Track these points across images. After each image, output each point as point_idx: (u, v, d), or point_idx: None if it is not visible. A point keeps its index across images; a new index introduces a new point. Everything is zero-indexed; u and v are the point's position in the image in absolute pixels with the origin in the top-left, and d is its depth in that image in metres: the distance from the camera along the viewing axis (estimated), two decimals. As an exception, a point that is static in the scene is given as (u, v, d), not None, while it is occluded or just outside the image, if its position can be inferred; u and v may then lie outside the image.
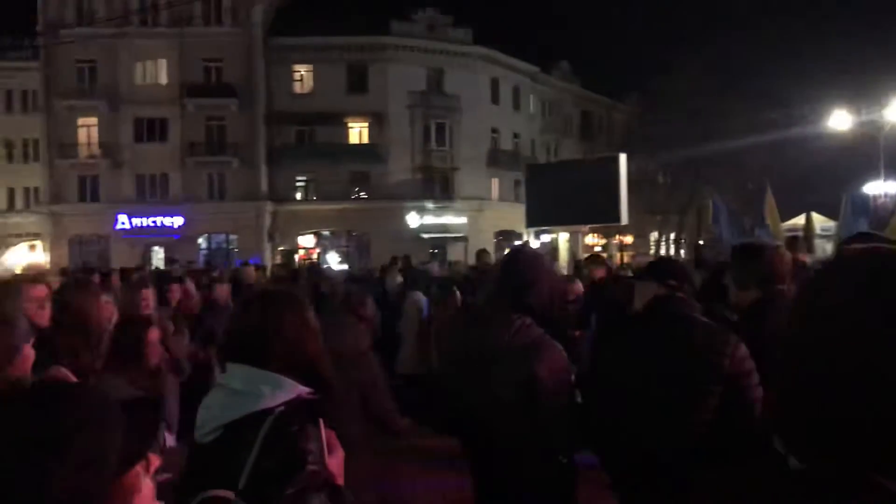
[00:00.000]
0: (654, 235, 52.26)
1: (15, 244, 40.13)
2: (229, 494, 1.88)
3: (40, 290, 3.85)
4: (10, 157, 41.20)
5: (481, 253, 12.47)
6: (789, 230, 14.89)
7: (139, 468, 1.22)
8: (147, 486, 1.23)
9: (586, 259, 9.85)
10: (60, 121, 38.21)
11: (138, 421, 1.20)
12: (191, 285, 8.08)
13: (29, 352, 2.67)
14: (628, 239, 49.15)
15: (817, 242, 15.36)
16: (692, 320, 2.92)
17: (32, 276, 5.69)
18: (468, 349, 2.96)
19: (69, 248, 37.52)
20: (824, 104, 30.56)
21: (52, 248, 37.52)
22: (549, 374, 2.76)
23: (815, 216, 16.41)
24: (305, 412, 2.01)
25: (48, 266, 19.84)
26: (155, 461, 1.26)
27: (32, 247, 38.71)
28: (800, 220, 16.90)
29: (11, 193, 41.37)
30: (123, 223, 37.96)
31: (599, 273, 8.02)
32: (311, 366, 2.16)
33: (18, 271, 12.34)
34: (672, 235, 52.73)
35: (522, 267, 2.99)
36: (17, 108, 41.06)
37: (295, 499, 1.88)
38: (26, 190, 40.78)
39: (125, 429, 1.15)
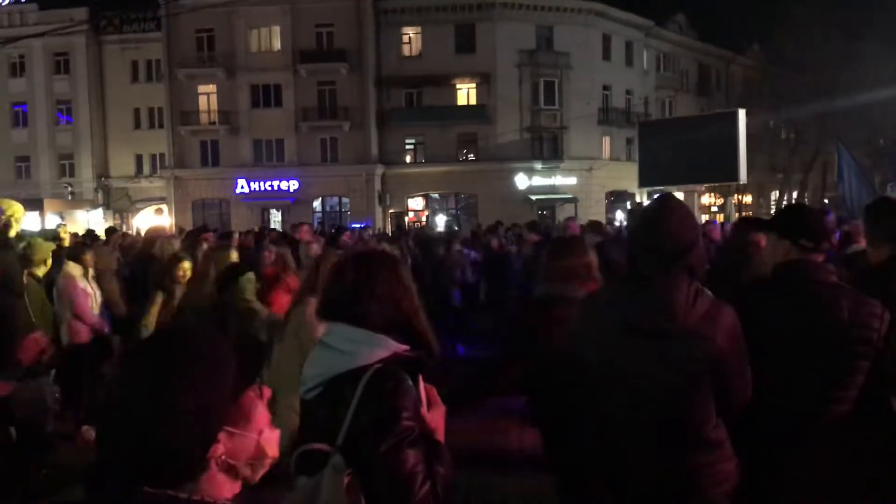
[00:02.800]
0: (774, 195, 49.93)
1: (143, 208, 42.42)
2: (328, 448, 1.97)
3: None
4: (137, 125, 43.33)
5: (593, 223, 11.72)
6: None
7: (253, 394, 1.36)
8: (262, 412, 1.37)
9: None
10: (182, 89, 39.90)
11: (246, 357, 1.35)
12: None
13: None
14: (747, 198, 47.19)
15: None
16: (835, 289, 2.70)
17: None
18: (628, 322, 2.56)
19: (192, 212, 39.37)
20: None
21: (177, 211, 39.44)
22: (730, 344, 2.50)
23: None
24: (402, 369, 2.06)
25: (172, 228, 20.82)
26: (267, 392, 1.40)
27: (159, 210, 40.76)
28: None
29: (139, 160, 43.52)
30: (242, 187, 39.46)
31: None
32: (407, 323, 2.19)
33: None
34: (794, 195, 50.27)
35: (684, 223, 2.59)
36: (142, 77, 43.02)
37: (389, 453, 1.93)
38: (153, 156, 42.84)
39: (236, 361, 1.32)
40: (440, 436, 2.14)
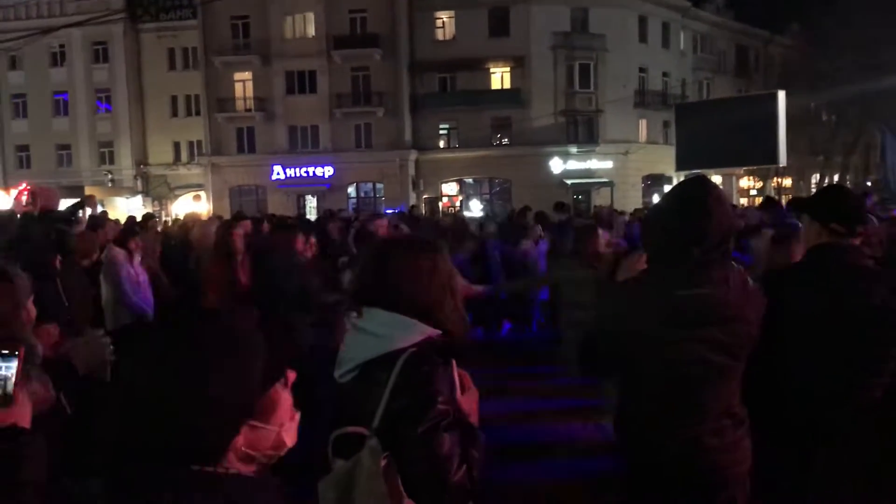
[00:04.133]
0: (815, 178, 48.98)
1: (181, 195, 43.01)
2: (364, 431, 1.99)
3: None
4: (174, 113, 43.85)
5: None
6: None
7: (280, 386, 1.34)
8: (286, 399, 1.36)
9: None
10: (218, 76, 40.28)
11: (277, 344, 1.34)
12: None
13: (31, 306, 2.61)
14: (787, 181, 46.37)
15: None
16: (868, 273, 2.67)
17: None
18: (681, 307, 2.55)
19: (229, 198, 39.80)
20: None
21: (215, 197, 39.91)
22: (758, 325, 2.57)
23: None
24: (436, 353, 2.06)
25: (209, 215, 21.09)
26: (291, 376, 1.37)
27: (197, 197, 41.28)
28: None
29: (177, 147, 44.03)
30: (278, 174, 39.78)
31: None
32: (441, 309, 2.18)
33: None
34: (836, 177, 49.26)
35: (726, 209, 2.60)
36: (178, 65, 43.46)
37: (426, 437, 1.94)
38: (190, 143, 43.33)
39: (266, 350, 1.30)
40: (474, 419, 2.15)
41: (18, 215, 6.36)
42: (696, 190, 2.67)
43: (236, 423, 1.26)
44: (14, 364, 1.87)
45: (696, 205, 2.59)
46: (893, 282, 2.62)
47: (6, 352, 1.87)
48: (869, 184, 34.76)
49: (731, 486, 2.59)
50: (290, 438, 1.36)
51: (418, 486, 1.95)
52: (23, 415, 1.91)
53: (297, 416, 1.40)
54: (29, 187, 7.38)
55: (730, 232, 2.58)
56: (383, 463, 1.93)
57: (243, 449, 1.27)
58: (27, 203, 6.35)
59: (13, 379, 1.86)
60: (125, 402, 1.26)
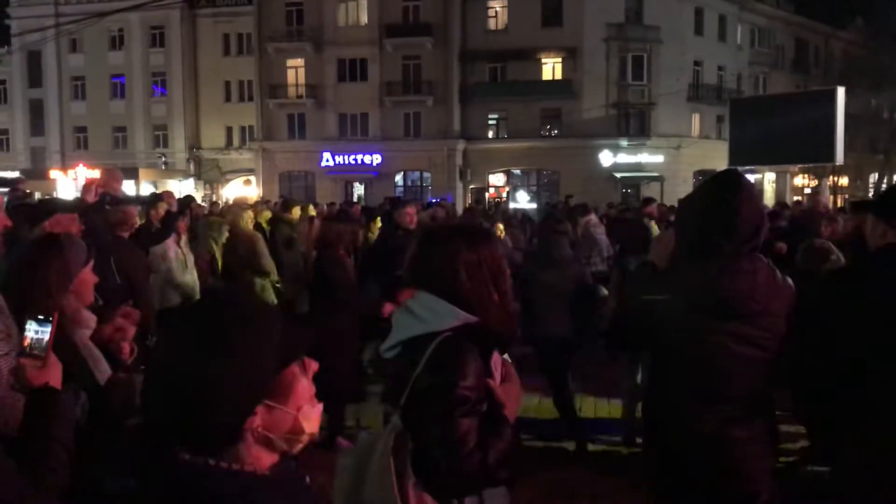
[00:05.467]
0: (873, 177, 47.66)
1: (232, 179, 43.65)
2: (389, 408, 2.10)
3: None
4: (227, 98, 44.50)
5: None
6: None
7: (296, 368, 1.33)
8: (304, 387, 1.35)
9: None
10: (271, 63, 40.77)
11: (292, 328, 1.34)
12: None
13: (87, 276, 2.64)
14: (844, 180, 45.17)
15: None
16: None
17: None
18: (704, 300, 2.62)
19: (279, 183, 40.28)
20: None
21: (265, 182, 40.42)
22: (787, 317, 2.63)
23: None
24: (471, 338, 2.10)
25: (259, 199, 21.37)
26: (313, 365, 1.37)
27: (248, 181, 41.89)
28: None
29: (229, 132, 44.70)
30: (327, 160, 40.11)
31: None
32: (488, 299, 2.21)
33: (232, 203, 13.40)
34: (895, 178, 47.85)
35: (756, 204, 2.70)
36: (233, 51, 44.06)
37: (440, 418, 2.00)
38: (242, 128, 43.95)
39: (281, 332, 1.30)
40: (510, 411, 2.15)
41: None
42: (726, 184, 2.72)
43: (252, 400, 1.25)
44: (48, 328, 2.03)
45: (725, 199, 2.65)
46: None
47: (41, 317, 2.03)
48: (930, 185, 33.69)
49: (755, 480, 2.63)
50: (310, 425, 1.35)
51: (429, 466, 2.00)
52: (55, 376, 2.04)
53: (320, 406, 1.39)
54: (97, 179, 7.49)
55: (759, 227, 2.64)
56: (394, 438, 1.99)
57: (260, 430, 1.27)
58: (97, 195, 6.47)
59: (47, 341, 2.02)
60: (148, 380, 1.28)
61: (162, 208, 7.45)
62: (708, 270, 2.63)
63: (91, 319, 2.59)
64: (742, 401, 2.63)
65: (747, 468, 2.62)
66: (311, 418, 1.35)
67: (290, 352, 1.32)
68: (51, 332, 2.03)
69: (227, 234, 7.92)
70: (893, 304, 2.52)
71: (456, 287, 2.16)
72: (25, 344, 2.02)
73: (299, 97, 40.77)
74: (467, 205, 27.62)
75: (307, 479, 1.46)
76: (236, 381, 1.22)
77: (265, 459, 1.30)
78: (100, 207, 6.06)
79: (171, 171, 41.64)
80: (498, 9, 39.66)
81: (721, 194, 2.69)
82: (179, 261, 6.93)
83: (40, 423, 1.96)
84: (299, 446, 1.36)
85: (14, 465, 1.81)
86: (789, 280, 2.66)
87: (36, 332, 2.03)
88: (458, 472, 2.00)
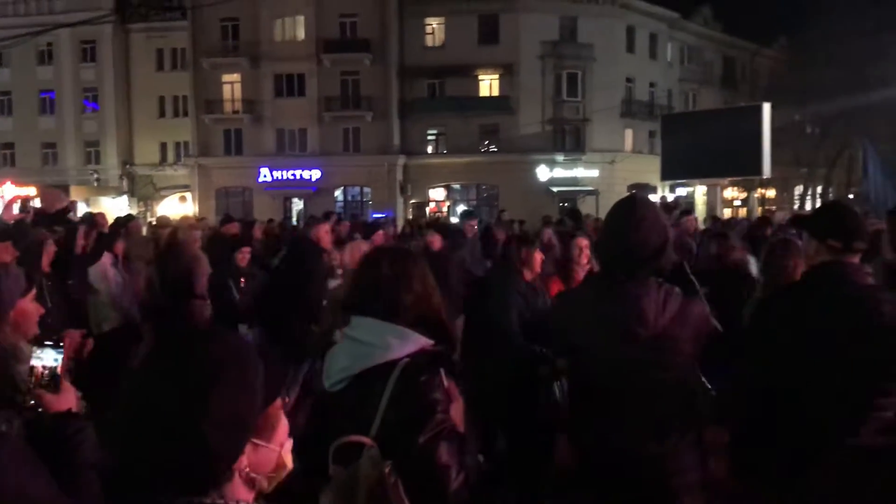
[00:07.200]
0: (798, 189, 49.39)
1: (167, 196, 42.79)
2: (367, 440, 1.99)
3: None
4: (162, 113, 43.64)
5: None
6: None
7: (279, 404, 1.34)
8: (284, 424, 1.35)
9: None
10: (206, 78, 40.12)
11: (272, 366, 1.33)
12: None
13: (27, 307, 2.48)
14: (771, 193, 46.72)
15: None
16: (872, 291, 2.62)
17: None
18: (605, 325, 2.62)
19: (216, 200, 39.65)
20: None
21: (201, 199, 39.72)
22: (693, 342, 2.61)
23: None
24: (431, 363, 2.09)
25: (195, 217, 21.02)
26: (286, 401, 1.39)
27: (183, 198, 41.11)
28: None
29: (164, 147, 43.78)
30: (265, 176, 39.65)
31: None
32: (434, 319, 2.22)
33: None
34: (819, 189, 49.68)
35: (653, 226, 2.62)
36: (167, 65, 43.25)
37: (427, 446, 1.98)
38: (177, 144, 43.09)
39: (264, 369, 1.28)
40: (462, 429, 2.15)
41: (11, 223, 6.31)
42: (616, 213, 2.75)
43: (241, 442, 1.24)
44: (61, 355, 1.99)
45: (620, 225, 2.68)
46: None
47: (51, 343, 2.00)
48: (851, 196, 35.14)
49: (678, 496, 2.59)
50: (289, 460, 1.35)
51: (420, 494, 1.97)
52: (72, 400, 2.01)
53: (290, 441, 1.38)
54: (21, 195, 7.33)
55: (660, 250, 2.60)
56: (387, 471, 1.94)
57: (247, 470, 1.26)
58: (21, 211, 6.32)
59: (59, 367, 1.99)
60: (126, 422, 1.23)
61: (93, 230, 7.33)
62: (603, 293, 2.65)
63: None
64: (653, 418, 2.58)
65: (667, 484, 2.58)
66: (289, 454, 1.35)
67: (273, 389, 1.32)
68: (63, 358, 1.99)
69: (158, 251, 7.80)
70: (826, 325, 2.57)
71: (418, 304, 2.16)
72: (38, 372, 1.96)
73: (236, 112, 40.25)
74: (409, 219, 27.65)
75: None
76: (227, 421, 1.19)
77: (246, 496, 1.28)
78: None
79: (103, 187, 40.60)
80: (435, 26, 39.98)
81: (612, 223, 2.74)
82: (118, 283, 6.85)
83: (68, 452, 1.89)
84: (276, 482, 1.35)
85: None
86: (700, 302, 2.64)
87: (44, 358, 1.97)
88: (448, 496, 1.99)
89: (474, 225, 9.91)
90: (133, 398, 1.24)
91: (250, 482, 1.28)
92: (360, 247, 5.85)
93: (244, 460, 1.25)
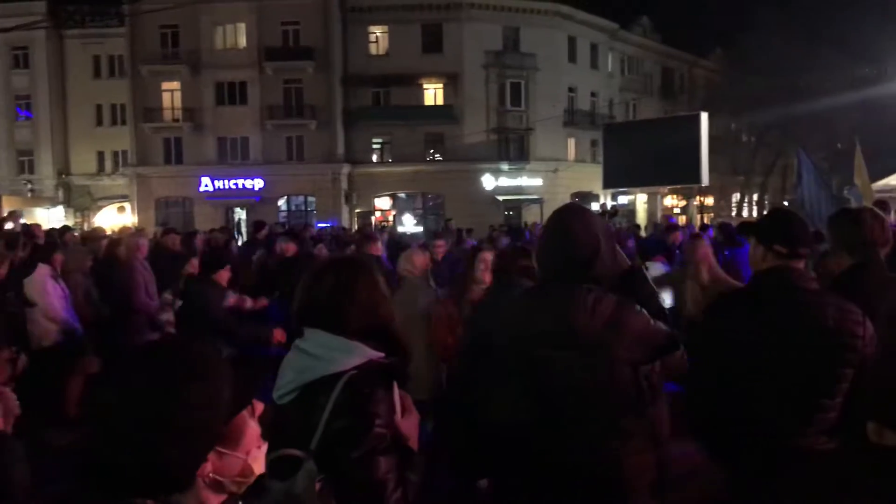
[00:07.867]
0: (736, 196, 50.78)
1: (105, 206, 41.73)
2: (300, 454, 1.97)
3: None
4: (99, 121, 42.61)
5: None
6: (880, 191, 14.16)
7: (246, 413, 1.36)
8: (252, 427, 1.38)
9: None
10: (145, 86, 39.35)
11: (242, 373, 1.36)
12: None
13: None
14: (709, 200, 47.89)
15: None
16: (817, 296, 2.68)
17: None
18: (531, 334, 2.61)
19: (155, 210, 38.84)
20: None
21: (140, 209, 38.85)
22: (632, 348, 2.55)
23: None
24: (377, 376, 2.07)
25: (135, 227, 20.55)
26: (259, 406, 1.40)
27: (121, 208, 40.16)
28: (892, 180, 16.11)
29: (101, 157, 42.75)
30: (206, 185, 39.00)
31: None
32: (384, 330, 2.20)
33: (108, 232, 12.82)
34: (755, 197, 51.14)
35: (582, 234, 2.61)
36: (104, 73, 42.28)
37: (362, 460, 1.96)
38: (115, 153, 42.12)
39: (232, 378, 1.32)
40: (414, 443, 2.15)
41: None
42: (556, 217, 2.77)
43: (204, 449, 1.27)
44: None
45: (551, 231, 2.71)
46: (839, 302, 2.63)
47: None
48: (786, 203, 36.26)
49: (627, 498, 2.57)
50: (258, 466, 1.38)
51: None
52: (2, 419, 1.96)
53: (265, 445, 1.42)
54: None
55: (592, 258, 2.59)
56: (318, 486, 1.92)
57: (211, 475, 1.29)
58: None
59: None
60: (93, 430, 1.27)
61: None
62: (538, 301, 2.67)
63: None
64: (598, 424, 2.55)
65: (620, 487, 2.55)
66: (260, 459, 1.38)
67: (241, 399, 1.34)
68: None
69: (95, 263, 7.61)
70: (772, 329, 2.63)
71: (370, 314, 2.15)
72: None
73: (175, 121, 39.52)
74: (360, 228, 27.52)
75: None
76: (191, 430, 1.23)
77: (213, 500, 1.32)
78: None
79: (38, 198, 39.25)
80: (379, 34, 39.96)
81: (545, 232, 2.77)
82: (59, 296, 6.65)
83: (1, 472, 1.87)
84: (246, 485, 1.37)
85: None
86: (636, 308, 2.58)
87: None
88: None
89: (443, 245, 9.77)
90: (102, 401, 1.28)
91: (216, 486, 1.31)
92: (418, 255, 5.66)
93: (208, 467, 1.28)
